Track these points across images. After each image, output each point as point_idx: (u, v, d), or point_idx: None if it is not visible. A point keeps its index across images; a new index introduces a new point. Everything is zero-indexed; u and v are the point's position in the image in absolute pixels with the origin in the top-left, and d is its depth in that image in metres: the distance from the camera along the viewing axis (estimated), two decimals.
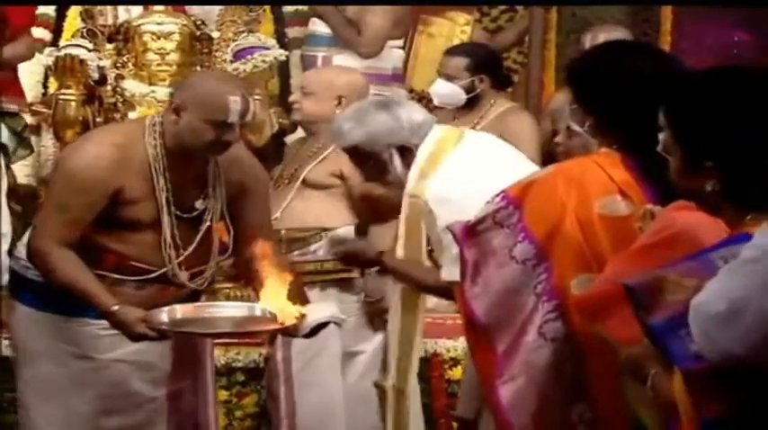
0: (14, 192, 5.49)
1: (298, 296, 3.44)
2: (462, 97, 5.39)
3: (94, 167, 3.40)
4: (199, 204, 3.50)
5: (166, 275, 3.47)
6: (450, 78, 5.39)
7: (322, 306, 3.45)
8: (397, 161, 3.67)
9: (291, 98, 4.82)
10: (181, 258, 3.48)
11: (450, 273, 3.43)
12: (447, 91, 5.40)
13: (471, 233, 2.94)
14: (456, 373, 4.68)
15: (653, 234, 2.68)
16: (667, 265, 2.34)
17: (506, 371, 2.90)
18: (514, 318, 2.87)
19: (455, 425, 4.31)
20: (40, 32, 5.73)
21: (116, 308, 3.31)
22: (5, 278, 4.92)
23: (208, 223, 3.52)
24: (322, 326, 3.43)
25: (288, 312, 3.28)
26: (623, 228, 2.78)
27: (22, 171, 5.57)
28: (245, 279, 3.67)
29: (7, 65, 5.37)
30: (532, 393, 2.95)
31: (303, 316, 3.30)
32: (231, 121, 3.38)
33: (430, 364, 4.83)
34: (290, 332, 3.39)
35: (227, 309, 3.53)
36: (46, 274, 3.46)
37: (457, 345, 4.69)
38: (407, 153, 3.66)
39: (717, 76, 2.45)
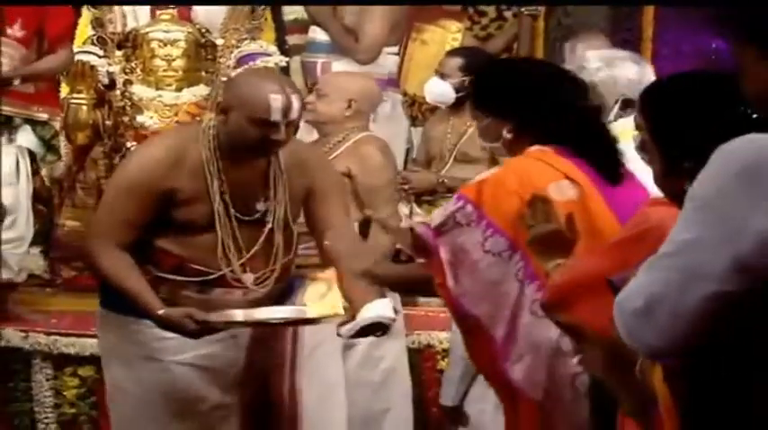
0: (40, 195, 5.54)
1: (359, 294, 3.35)
2: (452, 96, 5.46)
3: (144, 169, 3.34)
4: (260, 206, 3.39)
5: (226, 279, 3.37)
6: (443, 77, 5.48)
7: (376, 305, 3.32)
8: (615, 111, 3.70)
9: (306, 99, 4.82)
10: (243, 260, 3.38)
11: None
12: (438, 88, 5.50)
13: (439, 234, 2.98)
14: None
15: (628, 229, 2.69)
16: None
17: (512, 354, 2.96)
18: (503, 306, 2.94)
19: None
20: None
21: (162, 311, 3.25)
22: (23, 276, 5.43)
23: (269, 225, 3.40)
24: (375, 326, 3.35)
25: (324, 313, 3.23)
26: (577, 211, 2.84)
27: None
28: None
29: (47, 77, 5.49)
30: (541, 368, 3.01)
31: (337, 315, 3.25)
32: (274, 120, 3.25)
33: (423, 355, 4.92)
34: (337, 332, 3.31)
35: (277, 313, 3.39)
36: (97, 275, 3.45)
37: (448, 337, 4.61)
38: (628, 108, 3.63)
39: (693, 80, 2.51)
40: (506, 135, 3.04)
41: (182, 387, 3.42)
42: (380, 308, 3.30)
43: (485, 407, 3.86)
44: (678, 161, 2.37)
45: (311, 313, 3.33)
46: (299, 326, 3.56)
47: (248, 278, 3.37)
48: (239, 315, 3.28)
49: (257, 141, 3.26)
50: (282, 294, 3.49)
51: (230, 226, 3.34)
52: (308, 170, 3.47)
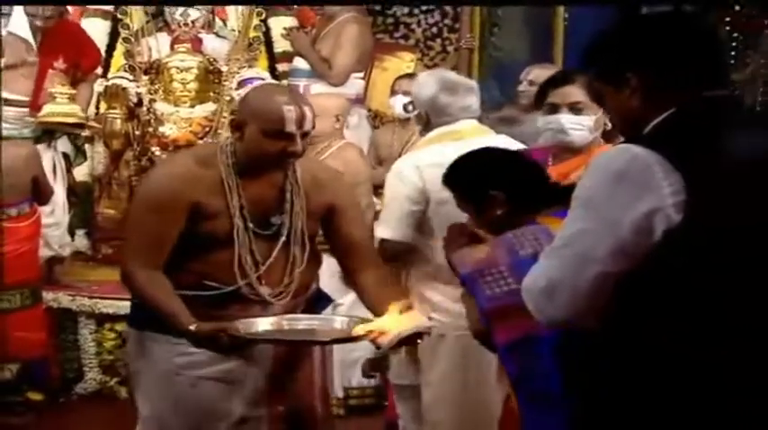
0: (73, 189, 5.91)
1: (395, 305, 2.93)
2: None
3: (168, 185, 3.00)
4: (275, 220, 3.06)
5: (243, 292, 3.03)
6: (407, 94, 5.27)
7: (411, 317, 2.89)
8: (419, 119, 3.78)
9: None
10: (259, 273, 3.03)
11: None
12: (405, 103, 5.52)
13: None
14: None
15: None
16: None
17: None
18: None
19: None
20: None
21: (193, 327, 2.87)
22: (68, 251, 5.85)
23: (284, 238, 3.06)
24: (414, 336, 2.89)
25: (363, 328, 2.83)
26: None
27: (81, 171, 5.99)
28: (353, 289, 3.23)
29: (81, 102, 5.86)
30: None
31: (380, 333, 2.81)
32: (289, 131, 2.94)
33: None
34: (376, 344, 2.85)
35: (307, 322, 3.03)
36: (135, 297, 3.10)
37: None
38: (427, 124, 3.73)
39: None
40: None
41: (208, 400, 3.09)
42: (413, 319, 2.91)
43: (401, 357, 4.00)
44: (488, 194, 2.68)
45: (344, 325, 2.97)
46: (332, 344, 3.35)
47: (265, 290, 3.05)
48: (267, 323, 2.95)
49: (274, 154, 2.97)
50: (303, 311, 3.17)
51: (248, 240, 3.02)
52: (327, 188, 3.17)
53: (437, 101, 3.70)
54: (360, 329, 2.81)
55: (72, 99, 5.68)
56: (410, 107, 3.80)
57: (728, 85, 2.16)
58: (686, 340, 1.97)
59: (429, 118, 3.73)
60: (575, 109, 3.21)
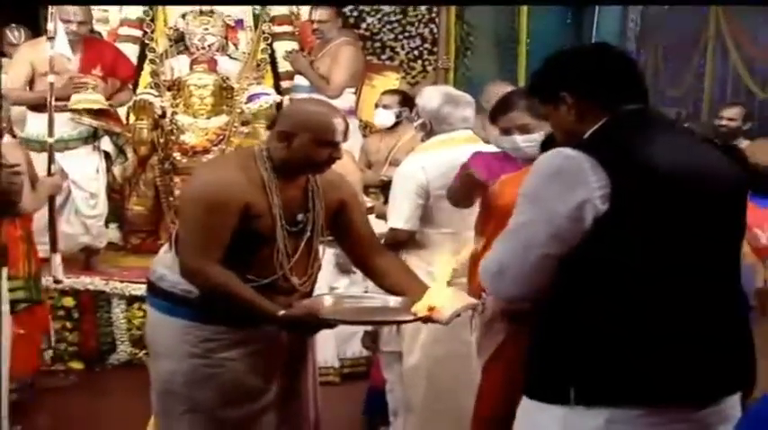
0: (112, 186, 6.16)
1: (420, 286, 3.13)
2: (393, 120, 5.78)
3: (227, 186, 3.05)
4: (300, 217, 3.16)
5: (278, 283, 3.13)
6: (386, 107, 5.78)
7: (457, 296, 2.98)
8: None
9: None
10: (290, 265, 3.13)
11: None
12: (384, 115, 5.81)
13: None
14: None
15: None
16: None
17: None
18: None
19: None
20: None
21: (282, 313, 3.00)
22: (104, 242, 6.11)
23: (309, 234, 3.19)
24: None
25: (422, 306, 2.95)
26: None
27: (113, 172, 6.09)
28: (368, 275, 3.35)
29: (117, 107, 6.14)
30: None
31: (433, 308, 2.92)
32: (338, 140, 3.10)
33: None
34: (433, 320, 2.95)
35: (368, 301, 3.21)
36: (208, 291, 3.08)
37: None
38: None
39: None
40: None
41: (232, 379, 3.18)
42: (461, 299, 3.03)
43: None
44: None
45: (398, 303, 3.11)
46: (405, 323, 3.42)
47: (295, 281, 3.17)
48: (330, 302, 3.14)
49: (322, 160, 3.12)
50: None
51: (283, 236, 3.12)
52: (336, 187, 3.30)
53: (440, 112, 3.92)
54: (421, 308, 2.94)
55: (93, 89, 5.82)
56: (414, 116, 4.01)
57: (646, 100, 2.25)
58: (617, 312, 2.09)
59: (432, 126, 3.94)
60: (524, 129, 3.33)
